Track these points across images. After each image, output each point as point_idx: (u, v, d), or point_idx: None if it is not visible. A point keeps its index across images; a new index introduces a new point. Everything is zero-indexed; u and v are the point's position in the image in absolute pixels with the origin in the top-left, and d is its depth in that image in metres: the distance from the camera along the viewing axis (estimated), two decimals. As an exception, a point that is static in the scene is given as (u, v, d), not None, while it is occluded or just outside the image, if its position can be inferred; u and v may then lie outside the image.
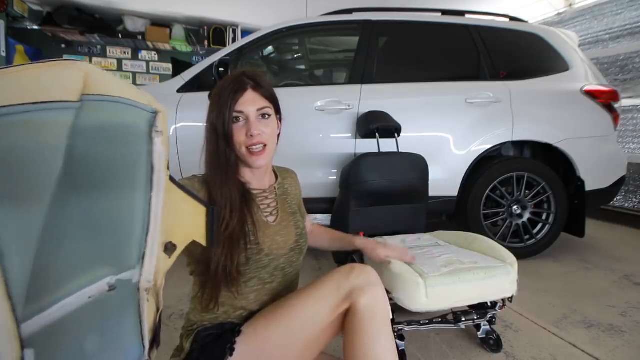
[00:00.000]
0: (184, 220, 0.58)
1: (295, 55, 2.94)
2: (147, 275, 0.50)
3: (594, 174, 2.16)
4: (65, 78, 0.35)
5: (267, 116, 0.85)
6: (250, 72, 0.86)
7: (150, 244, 0.49)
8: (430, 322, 1.22)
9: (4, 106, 0.30)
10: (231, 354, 0.75)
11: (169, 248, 0.55)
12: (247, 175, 0.89)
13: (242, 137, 0.82)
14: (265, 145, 0.84)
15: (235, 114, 0.82)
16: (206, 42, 4.60)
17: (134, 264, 0.48)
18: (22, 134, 0.32)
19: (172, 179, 0.53)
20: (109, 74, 0.42)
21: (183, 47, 4.65)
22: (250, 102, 0.82)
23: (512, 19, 2.39)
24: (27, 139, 0.32)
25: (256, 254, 0.82)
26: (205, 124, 0.86)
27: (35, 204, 0.34)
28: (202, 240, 0.62)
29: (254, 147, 0.83)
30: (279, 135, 0.91)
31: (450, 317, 1.23)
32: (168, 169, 0.53)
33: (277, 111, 0.90)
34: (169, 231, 0.54)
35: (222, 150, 0.82)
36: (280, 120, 0.92)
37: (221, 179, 0.82)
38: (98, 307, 0.43)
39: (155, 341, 0.54)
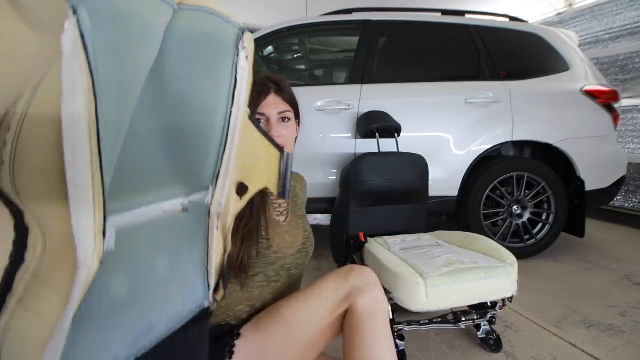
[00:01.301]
0: (258, 163, 0.57)
1: (295, 55, 2.94)
2: (218, 198, 0.49)
3: (594, 174, 2.15)
4: None
5: (287, 120, 0.89)
6: (273, 76, 0.90)
7: (226, 163, 0.48)
8: (430, 322, 1.23)
9: None
10: (230, 357, 0.75)
11: (242, 189, 0.53)
12: None
13: None
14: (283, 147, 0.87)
15: (257, 116, 0.85)
16: (206, 42, 4.59)
17: (207, 185, 0.47)
18: (136, 4, 0.32)
19: (250, 117, 0.52)
20: None
21: (183, 47, 4.64)
22: (272, 105, 0.86)
23: (512, 19, 2.39)
24: (139, 9, 0.32)
25: (265, 249, 0.84)
26: None
27: (131, 89, 0.34)
28: (274, 188, 0.59)
29: None
30: (296, 139, 0.96)
31: (450, 317, 1.23)
32: (248, 106, 0.52)
33: (297, 115, 0.94)
34: (244, 171, 0.53)
35: None
36: (299, 125, 0.96)
37: None
38: (171, 225, 0.43)
39: (220, 284, 0.53)
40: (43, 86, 0.27)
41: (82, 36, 0.27)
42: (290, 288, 0.92)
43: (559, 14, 3.95)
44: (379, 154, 1.75)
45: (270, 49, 2.72)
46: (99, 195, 0.30)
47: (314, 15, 2.37)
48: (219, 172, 0.48)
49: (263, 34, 2.14)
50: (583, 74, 2.25)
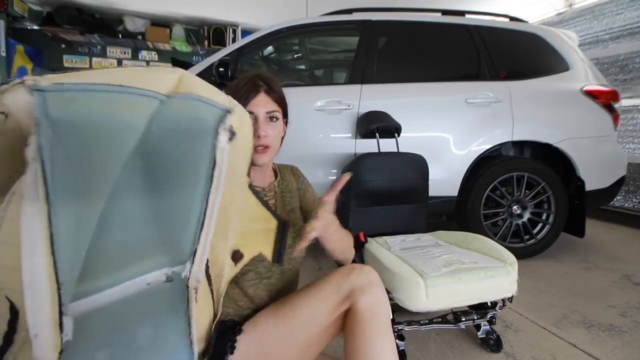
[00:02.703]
0: (255, 231, 0.58)
1: (295, 55, 2.94)
2: (196, 274, 0.50)
3: (594, 174, 2.15)
4: (164, 77, 0.40)
5: (275, 119, 0.89)
6: (265, 75, 0.89)
7: (203, 241, 0.50)
8: (430, 322, 1.22)
9: (103, 84, 0.34)
10: (232, 352, 0.75)
11: (237, 256, 0.55)
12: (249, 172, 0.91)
13: None
14: (268, 146, 0.87)
15: None
16: (206, 42, 4.60)
17: (186, 259, 0.49)
18: (109, 106, 0.35)
19: (250, 187, 0.54)
20: (201, 80, 0.47)
21: (183, 47, 4.65)
22: (261, 104, 0.86)
23: (512, 19, 2.39)
24: (112, 111, 0.35)
25: None
26: None
27: (96, 197, 0.36)
28: (268, 254, 0.61)
29: (258, 146, 0.86)
30: (282, 137, 0.95)
31: (450, 317, 1.23)
32: (249, 175, 0.54)
33: (285, 115, 0.94)
34: (239, 239, 0.54)
35: None
36: (286, 124, 0.96)
37: None
38: (154, 297, 0.44)
39: (207, 350, 0.53)
40: (17, 192, 0.30)
41: (40, 149, 0.29)
42: (285, 285, 0.91)
43: (559, 14, 3.95)
44: (379, 154, 1.75)
45: (270, 49, 2.72)
46: (52, 292, 0.31)
47: (314, 15, 2.37)
48: (197, 249, 0.49)
49: (263, 34, 2.14)
50: (583, 74, 2.25)
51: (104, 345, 0.38)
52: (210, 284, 0.55)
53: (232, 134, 0.51)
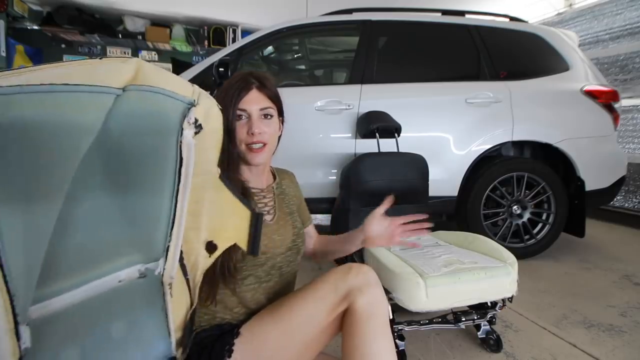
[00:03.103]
0: (228, 222, 0.58)
1: (295, 55, 2.94)
2: (170, 270, 0.50)
3: (594, 174, 2.15)
4: (119, 69, 0.38)
5: (269, 116, 0.87)
6: (257, 72, 0.88)
7: (175, 238, 0.50)
8: (430, 322, 1.22)
9: (46, 84, 0.32)
10: (230, 356, 0.75)
11: (210, 247, 0.55)
12: (245, 173, 0.90)
13: (243, 134, 0.84)
14: (265, 144, 0.86)
15: (238, 112, 0.84)
16: (206, 42, 4.59)
17: (159, 256, 0.49)
18: (53, 108, 0.33)
19: (222, 178, 0.54)
20: (162, 70, 0.43)
21: (183, 47, 4.64)
22: (254, 101, 0.85)
23: (512, 19, 2.39)
24: (56, 113, 0.33)
25: None
26: None
27: (48, 201, 0.35)
28: (243, 245, 0.61)
29: (253, 144, 0.85)
30: (279, 137, 0.93)
31: (450, 317, 1.23)
32: (219, 166, 0.53)
33: (280, 113, 0.92)
34: (213, 230, 0.54)
35: (226, 146, 0.84)
36: (283, 122, 0.94)
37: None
38: (127, 293, 0.44)
39: (184, 338, 0.54)
40: None
41: None
42: (284, 287, 0.91)
43: (559, 14, 3.95)
44: (379, 154, 1.75)
45: (270, 49, 2.72)
46: (6, 302, 0.31)
47: (314, 15, 2.37)
48: (169, 246, 0.50)
49: (263, 34, 2.14)
50: (583, 74, 2.25)
51: (74, 343, 0.37)
52: (185, 273, 0.55)
53: (199, 128, 0.49)
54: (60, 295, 0.37)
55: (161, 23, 4.50)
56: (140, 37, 4.39)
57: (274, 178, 0.99)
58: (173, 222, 0.49)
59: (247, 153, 0.85)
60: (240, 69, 2.18)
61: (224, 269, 0.76)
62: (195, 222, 0.53)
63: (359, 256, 1.48)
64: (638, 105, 3.07)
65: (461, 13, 2.36)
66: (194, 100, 0.49)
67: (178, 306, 0.53)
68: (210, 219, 0.53)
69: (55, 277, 0.36)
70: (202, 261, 0.54)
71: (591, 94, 2.16)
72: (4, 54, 3.67)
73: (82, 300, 0.38)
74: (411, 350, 1.24)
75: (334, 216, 1.84)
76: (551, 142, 2.10)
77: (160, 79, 0.43)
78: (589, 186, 2.11)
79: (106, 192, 0.40)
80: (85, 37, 4.23)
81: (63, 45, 4.35)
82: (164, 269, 0.50)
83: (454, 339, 1.32)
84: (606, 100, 2.17)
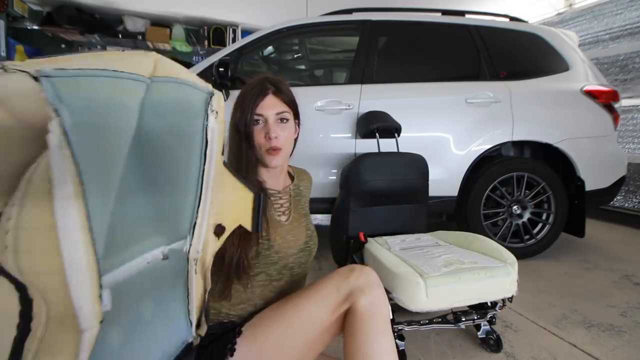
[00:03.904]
0: (233, 205, 0.62)
1: (295, 55, 2.94)
2: (196, 246, 0.54)
3: (594, 174, 2.15)
4: (143, 61, 0.41)
5: (285, 120, 0.90)
6: (272, 78, 0.91)
7: (201, 215, 0.53)
8: (430, 322, 1.23)
9: (97, 69, 0.35)
10: (232, 355, 0.75)
11: (219, 230, 0.58)
12: (263, 174, 0.93)
13: (261, 138, 0.87)
14: (280, 149, 0.88)
15: (255, 117, 0.87)
16: (206, 42, 4.59)
17: (185, 234, 0.52)
18: (110, 91, 0.36)
19: (225, 164, 0.58)
20: (176, 63, 0.48)
21: (183, 47, 4.64)
22: (270, 106, 0.87)
23: (512, 19, 2.39)
24: (114, 95, 0.36)
25: (266, 249, 0.85)
26: (229, 125, 0.91)
27: (112, 177, 0.38)
28: (248, 225, 0.65)
29: (270, 148, 0.87)
30: (296, 139, 0.97)
31: (450, 317, 1.23)
32: (223, 154, 0.57)
33: (296, 116, 0.95)
34: (220, 214, 0.58)
35: (244, 150, 0.87)
36: (299, 125, 0.98)
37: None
38: (153, 274, 0.46)
39: (200, 321, 0.57)
40: (34, 179, 0.32)
41: (66, 134, 0.31)
42: (293, 287, 0.92)
43: (559, 14, 3.95)
44: (379, 154, 1.75)
45: (270, 49, 2.72)
46: (93, 266, 0.34)
47: (314, 15, 2.37)
48: (195, 222, 0.53)
49: (263, 34, 2.14)
50: (583, 74, 2.25)
51: (118, 323, 0.40)
52: (195, 262, 0.59)
53: (216, 114, 0.55)
54: (110, 272, 0.39)
55: (161, 23, 4.50)
56: (140, 37, 4.39)
57: (292, 180, 1.01)
58: (199, 201, 0.53)
59: (265, 156, 0.88)
60: (240, 69, 2.18)
61: (239, 265, 0.79)
62: (200, 215, 0.56)
63: (359, 256, 1.48)
64: (638, 105, 3.07)
65: (461, 13, 2.36)
66: (212, 91, 0.55)
67: (198, 286, 0.57)
68: (217, 202, 0.56)
69: (109, 252, 0.38)
70: (212, 245, 0.57)
71: (591, 94, 2.16)
72: (4, 54, 3.67)
73: (121, 281, 0.40)
74: (411, 350, 1.24)
75: (333, 216, 1.83)
76: (551, 142, 2.10)
77: (178, 71, 0.47)
78: (589, 186, 2.11)
79: (137, 175, 0.43)
80: (85, 37, 4.23)
81: (63, 45, 4.35)
82: (190, 245, 0.53)
83: (454, 339, 1.32)
84: (606, 100, 2.16)
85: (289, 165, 1.04)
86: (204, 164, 0.53)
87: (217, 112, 0.55)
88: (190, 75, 0.50)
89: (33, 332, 0.34)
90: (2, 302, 0.34)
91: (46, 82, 0.30)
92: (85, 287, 0.34)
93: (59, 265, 0.33)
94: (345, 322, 0.77)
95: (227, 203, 0.59)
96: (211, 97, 0.54)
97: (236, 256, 0.79)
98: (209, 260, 0.57)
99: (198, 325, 0.57)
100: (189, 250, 0.53)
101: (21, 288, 0.34)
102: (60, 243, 0.32)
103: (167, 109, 0.45)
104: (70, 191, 0.32)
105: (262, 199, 0.65)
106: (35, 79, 0.30)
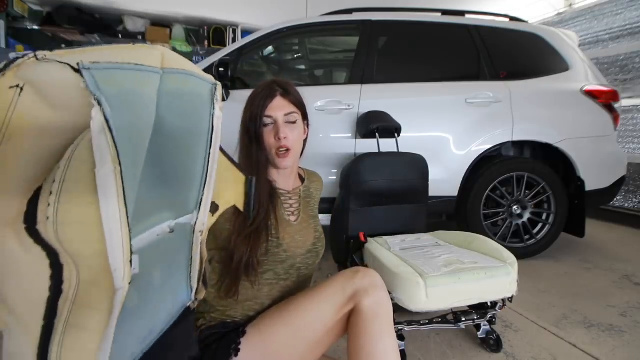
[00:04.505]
0: (227, 186, 0.68)
1: (295, 55, 2.94)
2: (202, 219, 0.61)
3: (594, 174, 2.15)
4: (151, 53, 0.45)
5: (294, 121, 0.91)
6: (280, 80, 0.93)
7: (207, 192, 0.61)
8: (430, 322, 1.23)
9: (124, 62, 0.39)
10: (236, 355, 0.76)
11: (214, 207, 0.65)
12: (273, 175, 0.94)
13: (271, 140, 0.89)
14: (289, 150, 0.90)
15: (265, 119, 0.88)
16: (206, 42, 4.60)
17: (192, 210, 0.59)
18: (135, 82, 0.40)
19: (220, 148, 0.63)
20: (179, 55, 0.52)
21: (183, 47, 4.64)
22: (278, 108, 0.89)
23: (512, 19, 2.39)
24: (138, 86, 0.40)
25: (275, 247, 0.86)
26: (239, 127, 0.94)
27: (140, 159, 0.42)
28: (241, 206, 0.71)
29: (280, 149, 0.89)
30: (305, 140, 0.97)
31: (450, 317, 1.23)
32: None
33: (305, 117, 0.95)
34: (215, 193, 0.63)
35: (254, 151, 0.89)
36: (308, 126, 0.98)
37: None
38: (162, 244, 0.52)
39: (199, 286, 0.64)
40: (75, 159, 0.37)
41: (107, 120, 0.35)
42: (299, 287, 0.93)
43: (559, 14, 3.95)
44: (379, 154, 1.75)
45: (270, 49, 2.72)
46: (126, 235, 0.40)
47: (314, 15, 2.37)
48: (201, 199, 0.61)
49: (263, 34, 2.14)
50: (583, 74, 2.25)
51: (134, 286, 0.44)
52: (200, 233, 0.65)
53: (220, 104, 0.61)
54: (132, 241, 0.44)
55: (161, 23, 4.50)
56: (140, 37, 4.39)
57: (302, 181, 1.02)
58: (205, 180, 0.59)
59: (275, 158, 0.89)
60: (240, 69, 2.18)
61: (249, 263, 0.81)
62: (205, 193, 0.63)
63: (359, 256, 1.48)
64: (638, 105, 3.07)
65: (461, 13, 2.36)
66: (215, 82, 0.59)
67: (198, 258, 0.63)
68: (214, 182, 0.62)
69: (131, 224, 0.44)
70: (207, 221, 0.63)
71: (591, 94, 2.16)
72: (4, 54, 3.67)
73: (139, 249, 0.45)
74: (411, 350, 1.24)
75: (334, 216, 1.83)
76: (551, 142, 2.10)
77: (184, 63, 0.51)
78: (589, 186, 2.11)
79: (154, 160, 0.48)
80: (85, 37, 4.23)
81: (63, 46, 4.31)
82: (197, 218, 0.60)
83: (454, 339, 1.32)
84: (606, 100, 2.16)
85: (300, 167, 1.04)
86: (210, 147, 0.59)
87: (219, 101, 0.60)
88: (194, 67, 0.54)
89: (65, 293, 0.39)
90: (35, 267, 0.38)
91: (87, 73, 0.34)
92: (120, 250, 0.39)
93: (99, 234, 0.38)
94: (350, 322, 0.78)
95: (222, 184, 0.65)
96: (215, 88, 0.59)
97: (246, 254, 0.80)
98: (205, 233, 0.64)
99: (197, 291, 0.63)
100: (195, 223, 0.60)
101: (53, 255, 0.38)
102: (102, 214, 0.37)
103: (179, 98, 0.49)
104: (110, 170, 0.36)
105: (252, 183, 0.70)
106: (76, 70, 0.34)
